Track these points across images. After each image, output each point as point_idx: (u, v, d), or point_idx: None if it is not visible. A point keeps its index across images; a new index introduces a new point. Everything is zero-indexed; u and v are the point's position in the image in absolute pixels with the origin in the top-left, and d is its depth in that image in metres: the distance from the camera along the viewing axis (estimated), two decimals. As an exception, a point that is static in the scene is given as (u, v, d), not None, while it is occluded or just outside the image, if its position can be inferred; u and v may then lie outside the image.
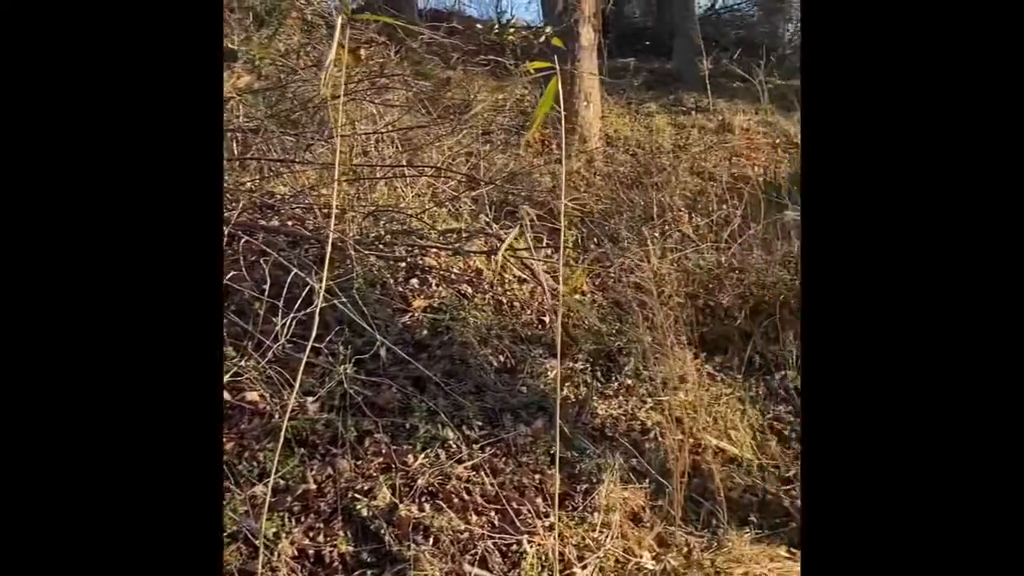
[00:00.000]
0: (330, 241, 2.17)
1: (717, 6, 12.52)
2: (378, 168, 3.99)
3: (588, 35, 6.05)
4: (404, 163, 4.17)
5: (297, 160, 3.82)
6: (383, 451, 2.56)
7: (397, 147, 4.36)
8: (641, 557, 2.46)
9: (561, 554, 2.39)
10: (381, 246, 3.52)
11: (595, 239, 4.39)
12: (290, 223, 3.60)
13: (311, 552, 2.24)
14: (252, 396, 2.62)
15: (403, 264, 3.53)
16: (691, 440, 2.98)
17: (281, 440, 2.00)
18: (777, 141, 7.06)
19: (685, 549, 2.52)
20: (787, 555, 2.55)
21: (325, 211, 3.57)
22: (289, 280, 2.87)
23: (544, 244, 4.01)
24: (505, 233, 3.74)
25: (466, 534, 2.37)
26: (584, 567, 2.36)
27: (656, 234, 4.37)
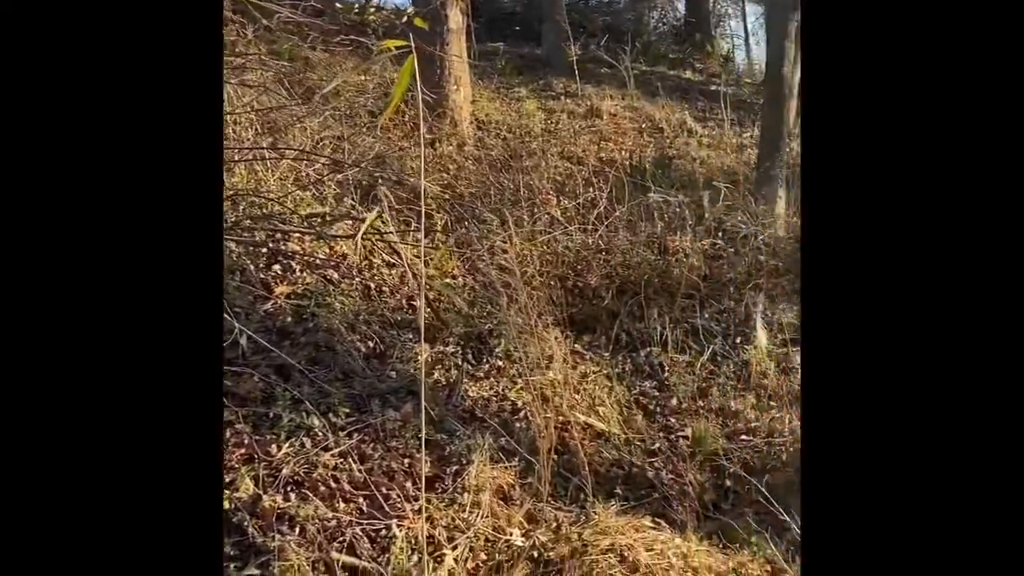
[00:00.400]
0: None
1: (585, -7, 12.71)
2: (236, 150, 3.84)
3: (456, 19, 6.01)
4: (265, 146, 4.03)
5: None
6: (245, 441, 2.48)
7: (257, 129, 4.20)
8: (511, 534, 2.48)
9: (431, 536, 2.38)
10: (240, 231, 3.39)
11: (465, 222, 4.39)
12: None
13: (168, 550, 2.15)
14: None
15: (264, 250, 3.42)
16: (560, 418, 3.03)
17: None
18: (643, 126, 7.25)
19: (554, 524, 2.56)
20: (651, 525, 2.63)
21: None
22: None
23: (412, 228, 3.97)
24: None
25: (333, 522, 2.33)
26: (454, 548, 2.36)
27: (525, 217, 4.41)
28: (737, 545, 2.59)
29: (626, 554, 2.38)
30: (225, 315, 2.74)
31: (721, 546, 2.59)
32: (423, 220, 2.30)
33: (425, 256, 3.91)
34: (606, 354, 3.65)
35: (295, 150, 4.10)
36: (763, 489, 2.72)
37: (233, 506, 2.27)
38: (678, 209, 4.69)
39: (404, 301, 3.60)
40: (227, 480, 2.34)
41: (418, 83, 1.59)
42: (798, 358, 3.63)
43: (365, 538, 2.32)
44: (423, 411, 2.24)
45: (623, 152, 6.27)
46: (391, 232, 3.65)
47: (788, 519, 2.56)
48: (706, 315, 3.94)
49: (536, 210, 4.64)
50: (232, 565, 2.15)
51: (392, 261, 3.75)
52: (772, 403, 3.33)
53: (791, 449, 3.06)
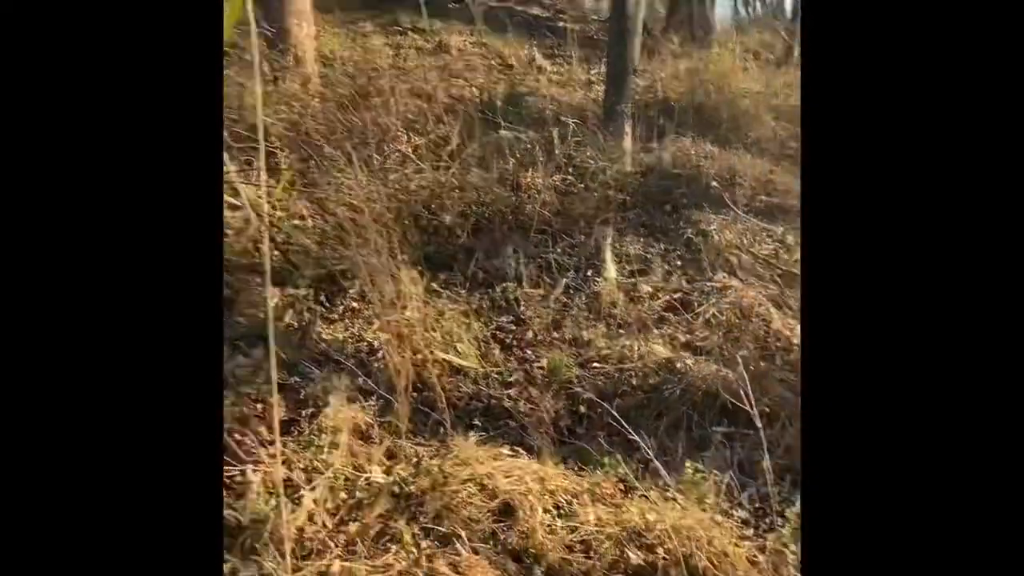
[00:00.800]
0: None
1: (430, -74, 12.35)
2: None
3: (296, -51, 5.72)
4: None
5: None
6: (82, 397, 2.34)
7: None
8: (371, 472, 2.48)
9: (289, 479, 2.35)
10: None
11: (314, 162, 4.24)
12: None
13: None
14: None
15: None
16: (417, 356, 3.02)
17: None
18: (492, 62, 7.21)
19: (414, 459, 2.58)
20: (510, 453, 2.69)
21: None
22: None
23: (255, 167, 3.80)
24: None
25: (184, 473, 2.25)
26: (313, 489, 2.34)
27: (376, 155, 4.31)
28: (591, 467, 2.69)
29: (486, 483, 2.44)
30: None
31: (577, 468, 2.69)
32: (263, 159, 2.20)
33: (270, 197, 3.76)
34: (463, 291, 3.66)
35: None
36: (614, 412, 2.83)
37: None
38: (529, 146, 4.73)
39: (250, 244, 3.47)
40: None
41: (248, 8, 1.50)
42: (645, 287, 3.78)
43: (219, 487, 2.26)
44: (273, 355, 2.18)
45: (473, 89, 6.22)
46: (229, 172, 3.48)
47: (638, 439, 2.68)
48: (559, 249, 4.02)
49: (386, 148, 4.55)
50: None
51: (236, 203, 3.58)
52: (621, 331, 3.46)
53: (640, 374, 3.19)
